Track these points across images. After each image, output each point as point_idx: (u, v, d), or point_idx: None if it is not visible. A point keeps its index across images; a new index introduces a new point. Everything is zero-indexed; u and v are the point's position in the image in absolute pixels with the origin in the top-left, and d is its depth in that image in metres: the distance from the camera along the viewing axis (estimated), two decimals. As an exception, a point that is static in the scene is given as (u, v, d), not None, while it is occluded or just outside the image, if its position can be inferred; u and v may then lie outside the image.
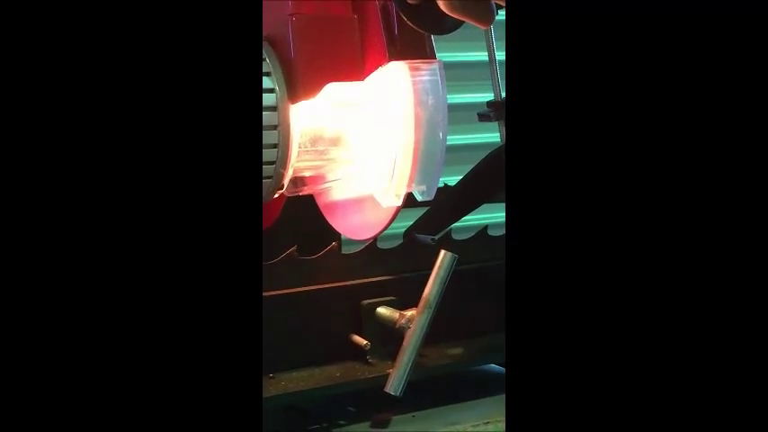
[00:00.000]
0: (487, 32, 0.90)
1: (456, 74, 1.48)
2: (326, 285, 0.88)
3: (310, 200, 0.93)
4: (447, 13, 0.75)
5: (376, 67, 0.83)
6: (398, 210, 0.85)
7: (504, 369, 0.98)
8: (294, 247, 0.86)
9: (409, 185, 0.83)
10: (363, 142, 0.86)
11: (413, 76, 0.81)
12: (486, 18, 0.76)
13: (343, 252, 0.92)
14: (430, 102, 0.82)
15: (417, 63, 0.82)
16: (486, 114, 0.93)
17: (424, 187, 0.83)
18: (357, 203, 0.90)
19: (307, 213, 0.93)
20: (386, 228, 0.88)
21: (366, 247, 0.90)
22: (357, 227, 0.92)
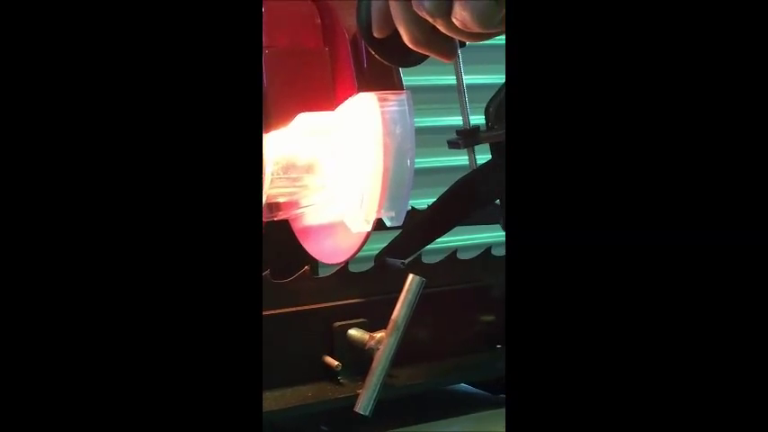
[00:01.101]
0: (456, 61, 0.93)
1: (426, 97, 1.52)
2: (299, 308, 0.90)
3: (284, 225, 0.96)
4: (411, 47, 0.78)
5: (346, 98, 0.87)
6: (368, 235, 0.88)
7: (474, 388, 1.00)
8: (267, 271, 0.89)
9: (378, 212, 0.86)
10: (334, 170, 0.88)
11: (381, 106, 0.85)
12: (449, 53, 0.79)
13: (316, 275, 0.94)
14: (398, 131, 0.85)
15: (386, 94, 0.85)
16: (455, 142, 0.95)
17: (392, 213, 0.86)
18: (329, 228, 0.93)
19: (280, 238, 0.96)
20: (357, 252, 0.91)
21: (338, 270, 0.93)
22: (330, 251, 0.95)
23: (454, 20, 0.73)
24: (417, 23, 0.76)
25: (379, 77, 0.88)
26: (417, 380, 0.93)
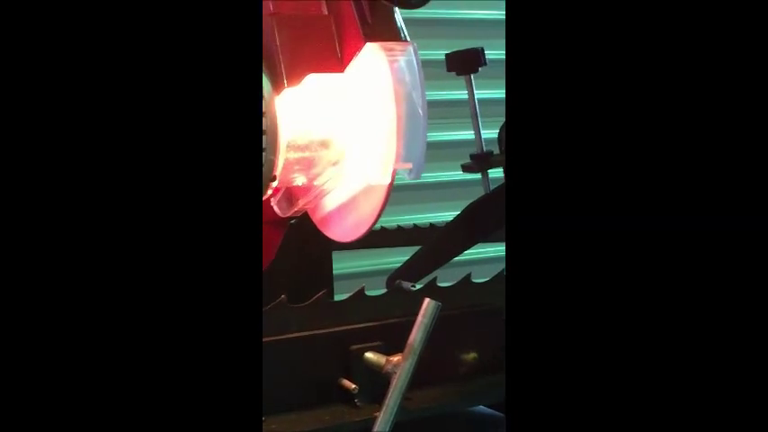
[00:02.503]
0: (469, 84, 0.93)
1: (442, 112, 1.54)
2: (316, 331, 0.90)
3: (301, 249, 0.96)
4: None
5: (353, 57, 0.87)
6: (387, 197, 0.88)
7: (492, 411, 1.00)
8: (284, 296, 0.89)
9: (396, 162, 0.85)
10: (348, 127, 0.88)
11: (388, 55, 0.84)
12: None
13: (331, 300, 0.95)
14: (407, 79, 0.84)
15: (392, 44, 0.86)
16: (469, 166, 0.96)
17: (410, 165, 0.85)
18: (347, 206, 0.93)
19: (296, 263, 0.96)
20: (378, 217, 0.90)
21: (354, 294, 0.93)
22: (351, 227, 0.95)
23: None
24: None
25: (384, 34, 0.88)
26: (434, 402, 0.93)
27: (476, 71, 0.90)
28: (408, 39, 0.89)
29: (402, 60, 0.85)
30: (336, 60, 0.89)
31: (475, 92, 0.98)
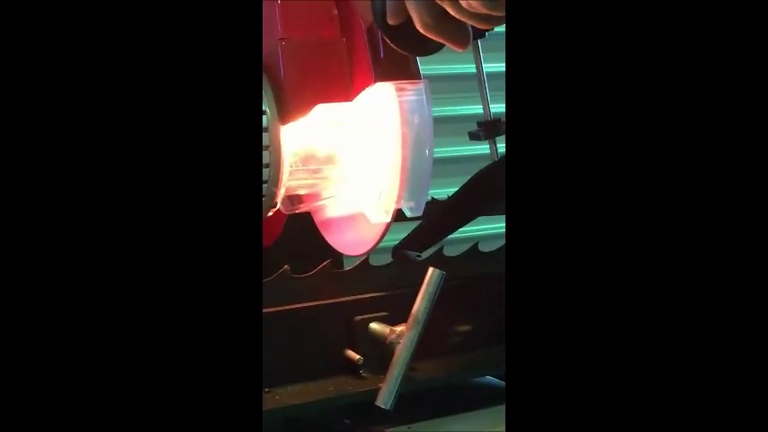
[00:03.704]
0: (476, 50, 0.92)
1: (446, 86, 1.51)
2: (320, 302, 0.90)
3: (303, 220, 0.95)
4: (422, 32, 0.77)
5: (363, 88, 0.86)
6: (389, 226, 0.88)
7: (500, 381, 0.99)
8: (287, 266, 0.88)
9: (398, 202, 0.85)
10: (353, 161, 0.88)
11: (399, 96, 0.84)
12: (462, 40, 0.78)
13: (339, 269, 0.94)
14: (416, 120, 0.84)
15: (403, 83, 0.85)
16: (476, 133, 0.95)
17: (412, 203, 0.86)
18: (350, 220, 0.92)
19: (300, 233, 0.95)
20: (378, 243, 0.90)
21: (359, 263, 0.92)
22: (351, 243, 0.94)
23: (461, 1, 0.72)
24: (427, 7, 0.76)
25: (397, 67, 0.87)
26: (440, 373, 0.92)
27: (483, 36, 0.88)
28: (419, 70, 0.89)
29: (412, 100, 0.85)
30: (346, 88, 0.88)
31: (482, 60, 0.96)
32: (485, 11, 0.72)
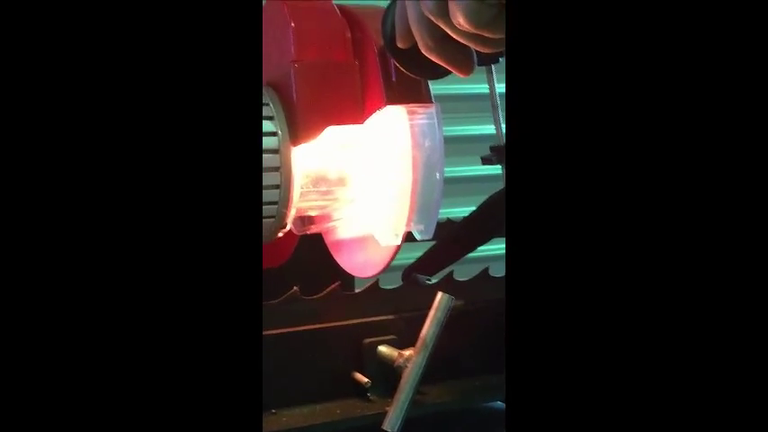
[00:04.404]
0: (489, 73, 0.92)
1: (458, 106, 1.51)
2: (329, 324, 0.89)
3: (313, 241, 0.95)
4: (425, 55, 0.77)
5: (375, 111, 0.86)
6: (399, 248, 0.87)
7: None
8: (296, 287, 0.88)
9: (408, 225, 0.85)
10: (364, 183, 0.88)
11: (410, 119, 0.84)
12: (464, 64, 0.78)
13: (347, 291, 0.94)
14: (427, 144, 0.84)
15: (414, 107, 0.85)
16: (488, 158, 0.94)
17: (422, 227, 0.86)
18: (360, 242, 0.92)
19: (310, 255, 0.95)
20: (387, 266, 0.90)
21: (368, 286, 0.92)
22: (361, 264, 0.94)
23: (453, 19, 0.71)
24: (429, 29, 0.75)
25: (408, 90, 0.87)
26: (447, 397, 0.91)
27: (496, 62, 0.88)
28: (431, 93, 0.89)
29: (423, 123, 0.85)
30: (358, 111, 0.88)
31: (495, 83, 0.96)
32: (474, 30, 0.71)
